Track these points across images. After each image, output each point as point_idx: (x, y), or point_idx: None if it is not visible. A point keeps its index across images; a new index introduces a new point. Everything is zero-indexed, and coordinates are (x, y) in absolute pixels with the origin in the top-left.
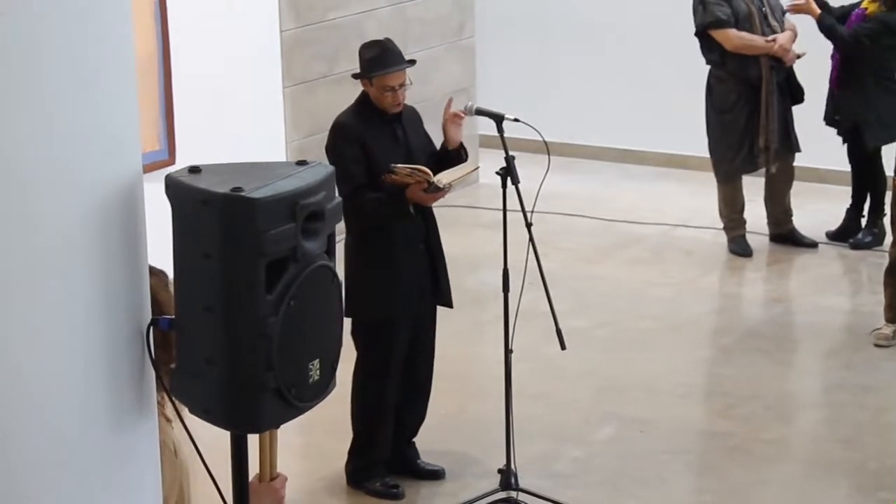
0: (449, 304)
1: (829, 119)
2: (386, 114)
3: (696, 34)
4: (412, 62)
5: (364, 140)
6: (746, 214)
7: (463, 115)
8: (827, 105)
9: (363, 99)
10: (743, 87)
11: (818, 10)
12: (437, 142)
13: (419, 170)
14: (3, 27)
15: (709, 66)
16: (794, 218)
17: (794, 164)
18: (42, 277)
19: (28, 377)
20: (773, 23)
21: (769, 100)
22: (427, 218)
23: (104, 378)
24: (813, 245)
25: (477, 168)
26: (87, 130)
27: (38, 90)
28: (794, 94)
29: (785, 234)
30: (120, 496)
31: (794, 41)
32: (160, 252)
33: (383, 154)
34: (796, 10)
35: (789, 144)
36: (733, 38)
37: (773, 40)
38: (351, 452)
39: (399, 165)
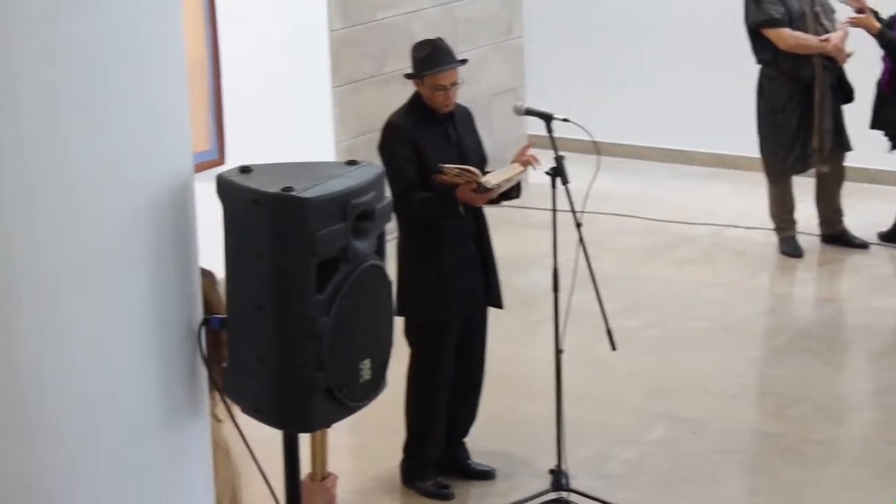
0: (499, 305)
1: (876, 122)
2: (438, 113)
3: (749, 32)
4: (464, 61)
5: (416, 140)
6: (797, 215)
7: (536, 163)
8: (875, 108)
9: (415, 99)
10: (795, 87)
11: (878, 25)
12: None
13: (467, 170)
14: (56, 29)
15: (759, 66)
16: (844, 218)
17: (845, 163)
18: (95, 278)
19: (81, 377)
20: (825, 22)
21: (823, 100)
22: (478, 218)
23: (157, 377)
24: (864, 246)
25: (525, 170)
26: (139, 131)
27: (90, 92)
28: (846, 93)
29: (836, 235)
30: (172, 493)
31: (845, 40)
32: (210, 251)
33: (435, 154)
34: (856, 24)
35: (841, 144)
36: (787, 37)
37: (827, 40)
38: (404, 450)
39: (448, 165)
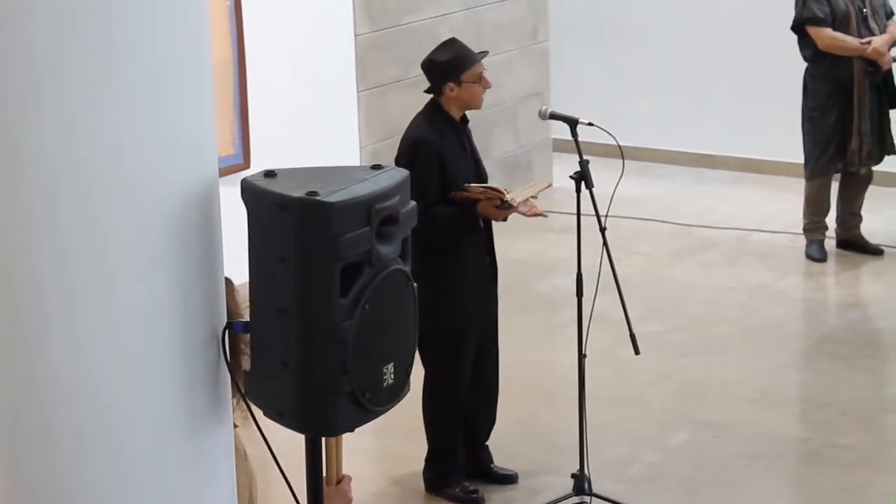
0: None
1: None
2: (455, 122)
3: (792, 28)
4: (485, 52)
5: (441, 153)
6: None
7: (534, 215)
8: None
9: (433, 108)
10: (834, 87)
11: None
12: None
13: (493, 188)
14: (81, 32)
15: (805, 63)
16: (872, 222)
17: (875, 168)
18: (119, 282)
19: (104, 381)
20: (873, 25)
21: (862, 102)
22: (487, 227)
23: (180, 381)
24: (879, 252)
25: (549, 185)
26: (164, 136)
27: (116, 95)
28: (891, 97)
29: (851, 240)
30: (196, 497)
31: (891, 44)
32: (235, 255)
33: (456, 164)
34: None
35: (883, 147)
36: (826, 37)
37: (868, 42)
38: (428, 460)
39: (473, 185)
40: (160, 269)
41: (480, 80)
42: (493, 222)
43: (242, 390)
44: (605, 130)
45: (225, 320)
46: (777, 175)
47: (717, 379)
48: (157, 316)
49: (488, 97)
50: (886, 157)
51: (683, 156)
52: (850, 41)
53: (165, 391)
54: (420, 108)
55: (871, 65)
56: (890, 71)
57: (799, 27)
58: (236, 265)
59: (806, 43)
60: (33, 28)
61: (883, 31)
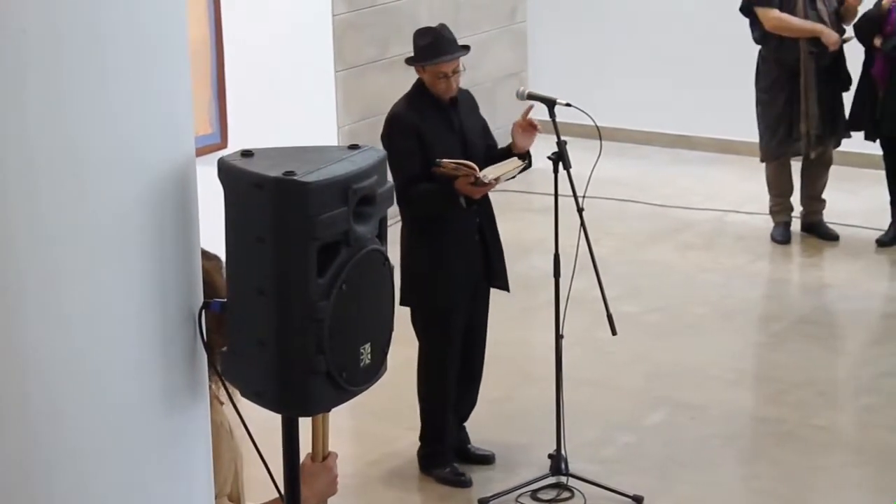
0: (505, 287)
1: (857, 121)
2: (441, 101)
3: (741, 9)
4: (466, 49)
5: (419, 130)
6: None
7: (537, 126)
8: (859, 105)
9: (417, 87)
10: (781, 69)
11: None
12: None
13: (465, 164)
14: (59, 10)
15: (758, 46)
16: (848, 203)
17: (850, 149)
18: (96, 261)
19: (83, 359)
20: (820, 7)
21: (808, 84)
22: (483, 207)
23: (157, 360)
24: (835, 237)
25: (522, 164)
26: (141, 114)
27: (93, 73)
28: (843, 81)
29: (812, 224)
30: (172, 477)
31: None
32: (212, 235)
33: (438, 143)
34: None
35: (834, 131)
36: (771, 17)
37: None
38: (422, 438)
39: (445, 160)
40: (137, 249)
41: (441, 77)
42: (491, 202)
43: (219, 370)
44: (582, 111)
45: (202, 300)
46: (754, 156)
47: (694, 360)
48: (134, 295)
49: (466, 77)
50: (863, 140)
51: (661, 137)
52: (794, 22)
53: (141, 370)
54: (399, 87)
55: (817, 46)
56: (842, 54)
57: (747, 8)
58: (213, 245)
59: (755, 24)
60: (12, 6)
61: (831, 13)
